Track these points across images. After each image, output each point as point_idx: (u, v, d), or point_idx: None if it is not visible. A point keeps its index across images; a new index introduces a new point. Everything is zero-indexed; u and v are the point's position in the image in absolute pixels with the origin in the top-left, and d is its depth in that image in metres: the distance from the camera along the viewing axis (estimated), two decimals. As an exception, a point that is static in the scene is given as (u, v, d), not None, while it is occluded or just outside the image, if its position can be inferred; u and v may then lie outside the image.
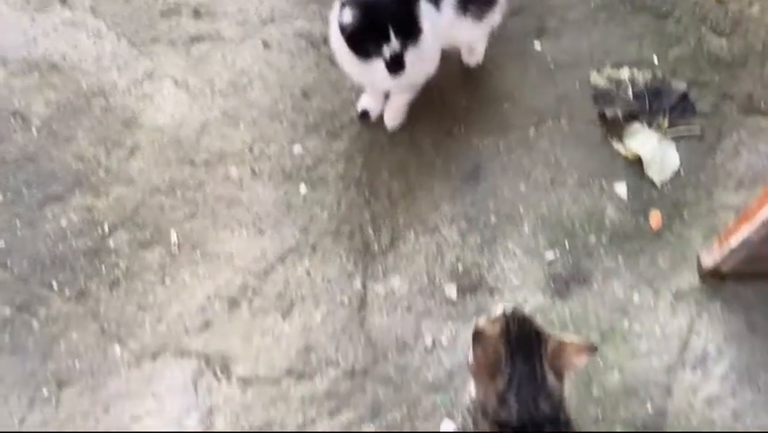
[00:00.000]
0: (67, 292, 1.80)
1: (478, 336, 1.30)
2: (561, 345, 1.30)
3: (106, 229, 1.87)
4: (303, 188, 1.95)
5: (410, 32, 1.65)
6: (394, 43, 1.63)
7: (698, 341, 1.85)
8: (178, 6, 2.16)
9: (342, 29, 1.67)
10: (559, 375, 1.31)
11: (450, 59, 2.01)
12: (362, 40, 1.65)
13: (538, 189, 2.00)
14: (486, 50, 2.11)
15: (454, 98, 2.10)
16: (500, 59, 2.17)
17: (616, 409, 1.75)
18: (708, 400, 1.80)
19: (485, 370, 1.29)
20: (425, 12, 1.70)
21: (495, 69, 2.16)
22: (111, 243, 1.86)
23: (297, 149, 2.00)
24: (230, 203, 1.92)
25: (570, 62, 2.18)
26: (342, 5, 1.65)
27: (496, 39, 2.09)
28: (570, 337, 1.36)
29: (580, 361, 1.31)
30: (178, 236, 1.87)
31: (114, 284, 1.83)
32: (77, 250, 1.84)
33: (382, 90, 1.96)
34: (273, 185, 1.95)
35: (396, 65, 1.67)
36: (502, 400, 1.28)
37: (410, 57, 1.68)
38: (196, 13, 2.15)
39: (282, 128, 2.03)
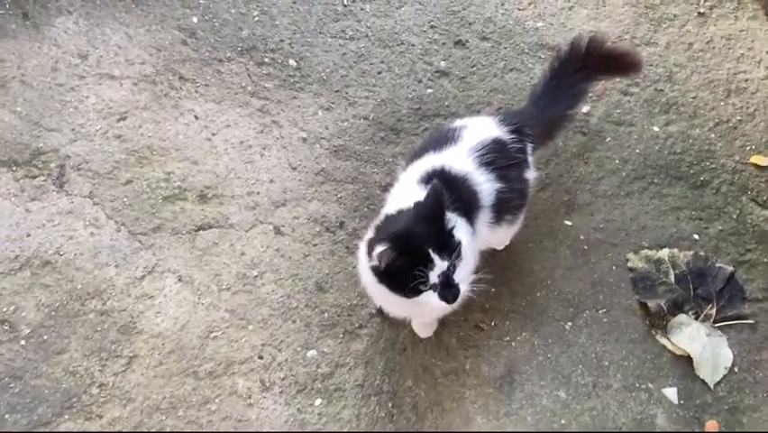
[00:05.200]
0: None
1: None
2: None
3: (100, 458, 1.66)
4: (318, 402, 1.76)
5: (451, 245, 1.42)
6: (440, 264, 1.40)
7: None
8: (183, 191, 2.02)
9: (380, 270, 1.43)
10: None
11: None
12: (405, 275, 1.41)
13: (579, 395, 1.80)
14: (513, 230, 1.96)
15: (482, 285, 1.92)
16: (529, 238, 2.01)
17: None
18: None
19: None
20: (460, 228, 1.54)
21: (524, 250, 2.00)
22: (103, 476, 1.65)
23: (312, 353, 1.82)
24: (237, 424, 1.72)
25: (604, 241, 2.02)
26: (372, 244, 1.44)
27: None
28: None
29: None
30: (178, 467, 1.67)
31: None
32: (65, 488, 1.62)
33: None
34: (285, 400, 1.75)
35: (449, 288, 1.43)
36: None
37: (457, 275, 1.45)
38: (203, 198, 2.01)
39: (295, 328, 1.85)
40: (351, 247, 1.95)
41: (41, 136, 2.07)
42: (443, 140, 1.68)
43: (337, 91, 2.23)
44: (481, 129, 1.69)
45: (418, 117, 2.19)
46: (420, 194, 1.57)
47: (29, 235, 1.91)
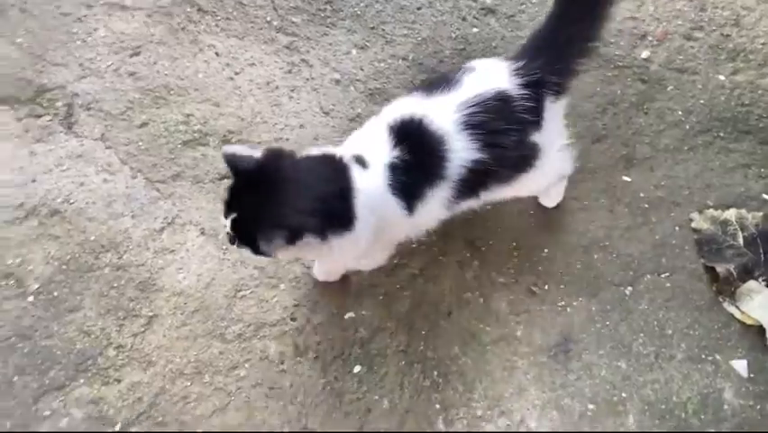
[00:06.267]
0: None
1: None
2: None
3: (117, 429, 1.51)
4: (357, 369, 1.60)
5: (244, 235, 1.35)
6: (227, 223, 1.35)
7: None
8: (204, 135, 1.82)
9: None
10: None
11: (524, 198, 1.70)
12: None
13: (641, 366, 1.65)
14: (566, 186, 1.78)
15: (534, 246, 1.76)
16: (585, 195, 1.83)
17: None
18: None
19: None
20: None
21: (579, 208, 1.82)
22: (123, 446, 1.50)
23: (350, 316, 1.65)
24: (269, 391, 1.56)
25: (666, 199, 1.85)
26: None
27: (577, 170, 1.75)
28: None
29: None
30: (206, 438, 1.51)
31: (124, 502, 1.46)
32: (81, 459, 1.47)
33: None
34: (321, 366, 1.59)
35: (231, 238, 1.38)
36: None
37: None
38: (226, 143, 1.82)
39: (331, 290, 1.68)
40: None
41: (44, 71, 1.86)
42: (440, 81, 1.45)
43: (372, 28, 2.02)
44: (486, 78, 1.43)
45: (462, 59, 1.98)
46: (382, 140, 1.40)
47: (34, 181, 1.72)
